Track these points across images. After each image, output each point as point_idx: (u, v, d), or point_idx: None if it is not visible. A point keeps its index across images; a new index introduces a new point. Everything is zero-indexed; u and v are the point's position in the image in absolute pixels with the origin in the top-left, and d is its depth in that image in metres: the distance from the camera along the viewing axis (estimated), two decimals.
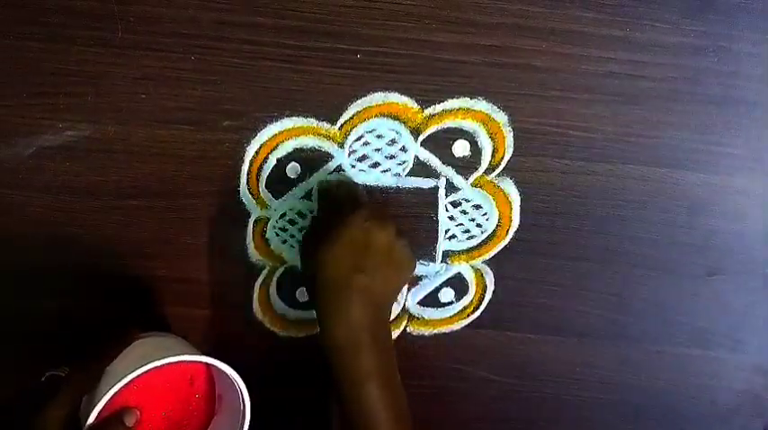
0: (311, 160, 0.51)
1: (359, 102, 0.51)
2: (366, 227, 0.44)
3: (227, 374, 0.43)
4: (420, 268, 0.54)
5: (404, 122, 0.51)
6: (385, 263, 0.44)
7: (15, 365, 0.53)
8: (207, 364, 0.44)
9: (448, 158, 0.52)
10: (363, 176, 0.52)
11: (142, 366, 0.40)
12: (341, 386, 0.43)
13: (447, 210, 0.53)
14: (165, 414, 0.45)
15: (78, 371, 0.42)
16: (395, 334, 0.55)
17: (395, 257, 0.45)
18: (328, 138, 0.51)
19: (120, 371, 0.41)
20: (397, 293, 0.47)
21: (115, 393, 0.40)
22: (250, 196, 0.51)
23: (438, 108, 0.51)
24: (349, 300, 0.43)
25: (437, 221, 0.53)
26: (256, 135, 0.50)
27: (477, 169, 0.52)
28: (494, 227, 0.53)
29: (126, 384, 0.40)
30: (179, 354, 0.42)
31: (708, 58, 0.51)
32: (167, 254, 0.52)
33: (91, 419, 0.40)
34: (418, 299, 0.55)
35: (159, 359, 0.41)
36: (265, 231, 0.52)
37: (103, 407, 0.40)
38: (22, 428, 0.40)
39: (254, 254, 0.52)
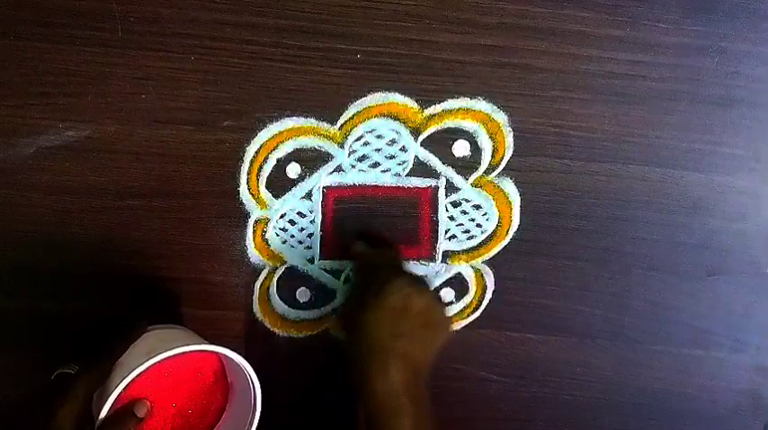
0: (311, 160, 0.51)
1: (359, 102, 0.51)
2: (406, 293, 0.45)
3: (236, 362, 0.44)
4: (420, 268, 0.54)
5: (404, 122, 0.51)
6: (423, 327, 0.46)
7: (15, 366, 0.53)
8: (217, 354, 0.44)
9: (448, 158, 0.52)
10: (363, 176, 0.52)
11: (150, 358, 0.41)
12: None
13: (447, 211, 0.53)
14: (176, 405, 0.45)
15: (89, 367, 0.42)
16: None
17: (433, 322, 0.47)
18: (328, 138, 0.51)
19: (130, 365, 0.41)
20: (434, 355, 0.48)
21: (126, 386, 0.40)
22: (250, 196, 0.51)
23: (438, 108, 0.51)
24: (389, 364, 0.44)
25: (437, 221, 0.53)
26: (256, 135, 0.50)
27: (477, 169, 0.52)
28: (494, 227, 0.53)
29: (136, 376, 0.40)
30: (188, 345, 0.42)
31: (708, 58, 0.51)
32: (167, 254, 0.52)
33: (103, 413, 0.40)
34: None
35: (168, 350, 0.41)
36: (265, 231, 0.52)
37: (116, 400, 0.40)
38: (33, 427, 0.40)
39: (254, 254, 0.52)
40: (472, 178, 0.52)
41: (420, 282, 0.47)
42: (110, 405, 0.40)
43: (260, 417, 0.45)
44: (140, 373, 0.40)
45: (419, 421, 0.44)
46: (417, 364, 0.45)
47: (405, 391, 0.44)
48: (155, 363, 0.41)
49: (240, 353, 0.44)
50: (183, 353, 0.42)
